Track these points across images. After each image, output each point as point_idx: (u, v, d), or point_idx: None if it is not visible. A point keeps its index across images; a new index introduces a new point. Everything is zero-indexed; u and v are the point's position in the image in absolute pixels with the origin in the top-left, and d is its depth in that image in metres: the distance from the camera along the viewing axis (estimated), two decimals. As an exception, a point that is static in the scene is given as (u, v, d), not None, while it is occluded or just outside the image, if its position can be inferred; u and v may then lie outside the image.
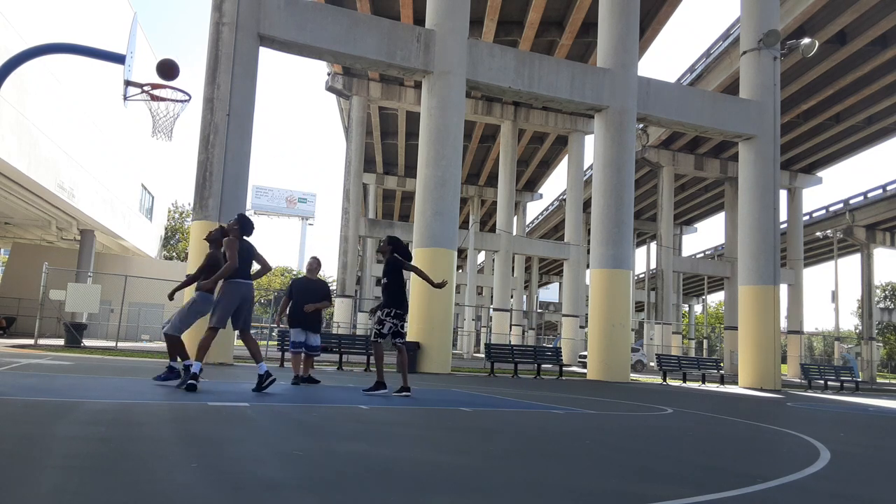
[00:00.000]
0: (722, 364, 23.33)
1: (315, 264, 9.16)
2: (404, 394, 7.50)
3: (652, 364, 31.93)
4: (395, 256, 7.65)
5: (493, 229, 44.81)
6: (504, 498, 2.65)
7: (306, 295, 8.70)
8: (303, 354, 8.81)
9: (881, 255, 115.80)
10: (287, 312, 8.81)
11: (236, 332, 7.39)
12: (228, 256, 6.72)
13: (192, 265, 13.94)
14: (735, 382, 20.19)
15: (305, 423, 4.83)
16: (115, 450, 3.20)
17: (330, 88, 33.49)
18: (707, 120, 19.25)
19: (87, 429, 3.82)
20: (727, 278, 37.47)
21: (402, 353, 7.66)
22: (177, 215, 56.09)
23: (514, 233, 40.72)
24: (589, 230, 23.81)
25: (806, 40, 20.50)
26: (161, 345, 25.59)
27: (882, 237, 41.65)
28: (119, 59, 8.53)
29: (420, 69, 16.12)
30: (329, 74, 33.10)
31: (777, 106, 19.82)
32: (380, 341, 7.55)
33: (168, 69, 7.46)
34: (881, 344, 64.57)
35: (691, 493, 2.91)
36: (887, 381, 45.13)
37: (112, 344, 19.21)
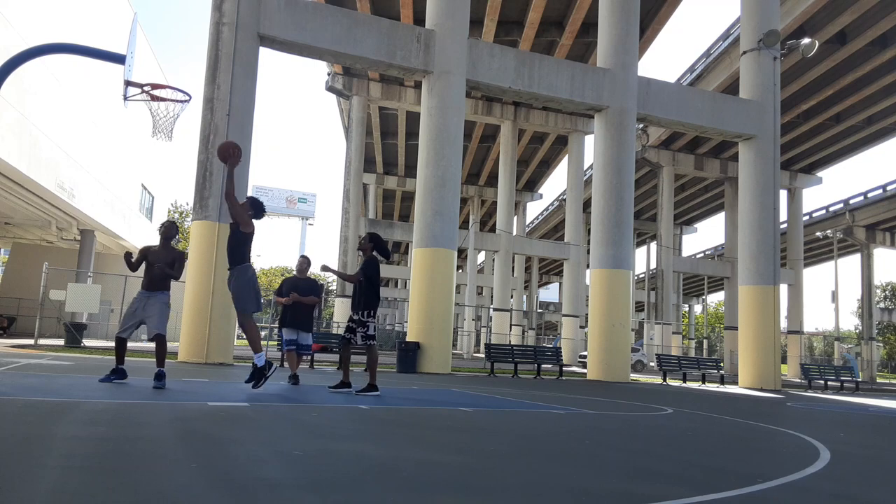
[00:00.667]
0: (722, 364, 23.32)
1: (305, 263, 9.09)
2: (374, 392, 7.40)
3: (652, 364, 31.93)
4: (375, 255, 7.58)
5: (493, 229, 44.80)
6: (504, 498, 2.65)
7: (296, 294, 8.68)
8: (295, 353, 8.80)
9: (881, 255, 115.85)
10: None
11: (238, 332, 7.40)
12: (239, 213, 6.86)
13: (192, 265, 13.93)
14: (735, 382, 20.19)
15: (305, 423, 4.82)
16: (115, 450, 3.20)
17: (330, 88, 33.49)
18: (707, 120, 19.25)
19: (87, 429, 3.82)
20: (727, 278, 37.47)
21: (372, 351, 7.62)
22: (177, 215, 56.08)
23: (514, 233, 40.71)
24: (589, 230, 23.82)
25: (806, 40, 20.49)
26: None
27: (882, 237, 41.65)
28: (119, 59, 8.54)
29: (420, 69, 16.12)
30: (329, 74, 33.10)
31: (777, 106, 19.82)
32: (371, 343, 7.48)
33: (229, 152, 6.92)
34: (881, 344, 64.56)
35: (691, 493, 2.91)
36: (887, 381, 45.13)
37: (112, 344, 19.19)
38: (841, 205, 40.96)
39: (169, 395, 6.18)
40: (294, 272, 9.29)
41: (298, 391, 7.53)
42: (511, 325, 39.93)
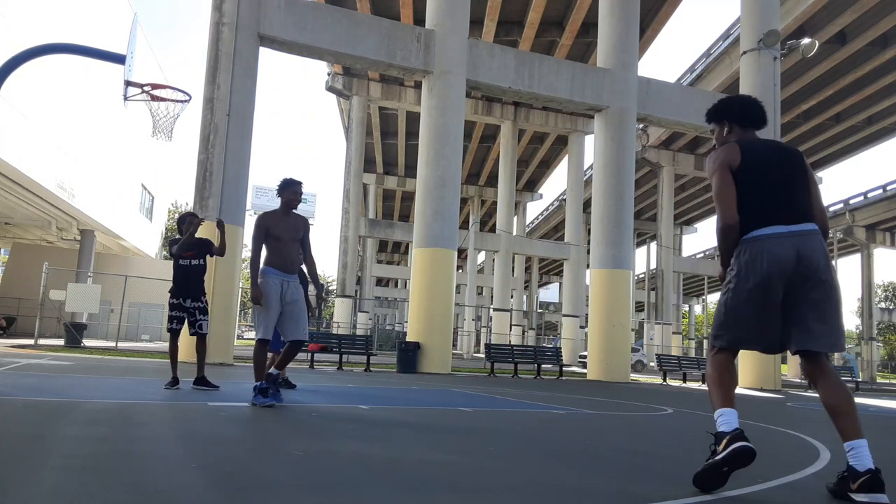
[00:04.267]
0: (722, 364, 23.25)
1: None
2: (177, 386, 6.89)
3: (652, 364, 31.92)
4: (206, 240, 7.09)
5: (493, 229, 44.79)
6: (504, 498, 2.64)
7: None
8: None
9: (881, 255, 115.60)
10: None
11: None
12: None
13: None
14: (735, 382, 20.16)
15: (305, 423, 4.82)
16: (115, 450, 3.19)
17: (330, 88, 33.49)
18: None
19: (87, 429, 3.82)
20: (727, 278, 37.40)
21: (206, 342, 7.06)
22: (177, 215, 56.11)
23: (514, 233, 40.70)
24: (589, 230, 23.81)
25: (806, 40, 20.49)
26: (161, 345, 25.59)
27: (882, 237, 41.64)
28: (119, 59, 8.54)
29: (420, 69, 16.12)
30: (329, 74, 33.11)
31: (777, 106, 19.81)
32: (206, 333, 6.94)
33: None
34: (881, 344, 64.55)
35: (691, 493, 2.91)
36: (887, 381, 45.11)
37: (112, 344, 19.21)
38: (841, 205, 40.95)
39: (169, 395, 6.18)
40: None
41: (297, 392, 7.51)
42: (511, 325, 39.93)
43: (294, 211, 5.68)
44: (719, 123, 3.24)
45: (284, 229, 5.50)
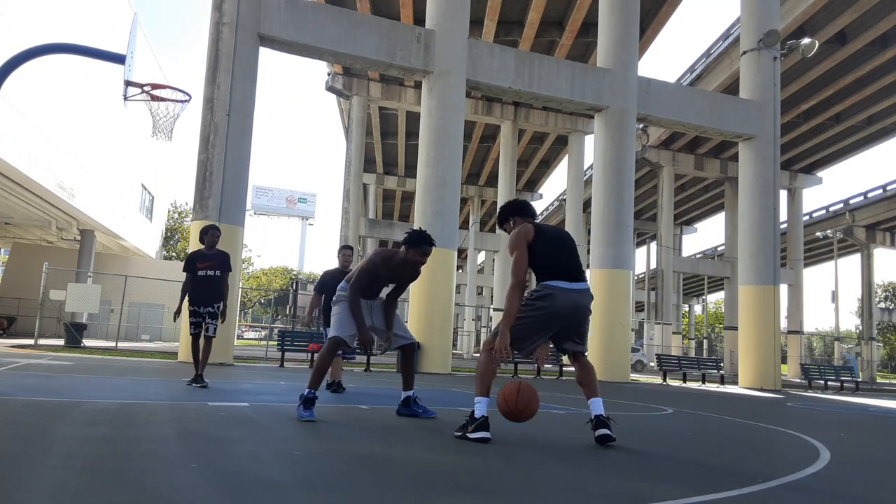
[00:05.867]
0: (722, 364, 23.32)
1: (350, 254, 8.38)
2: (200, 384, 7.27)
3: (652, 364, 31.92)
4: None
5: (493, 229, 44.81)
6: (504, 498, 2.64)
7: None
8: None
9: (881, 255, 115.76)
10: (317, 310, 8.12)
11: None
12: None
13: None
14: (735, 382, 20.19)
15: (305, 423, 4.82)
16: (115, 450, 3.20)
17: (330, 88, 33.48)
18: (707, 120, 19.25)
19: (87, 429, 3.82)
20: (727, 278, 37.46)
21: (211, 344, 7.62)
22: (176, 215, 56.10)
23: (514, 233, 40.61)
24: (589, 230, 23.81)
25: (806, 40, 20.50)
26: (161, 345, 25.60)
27: (882, 237, 41.64)
28: (119, 59, 8.55)
29: (420, 69, 16.12)
30: (329, 74, 33.09)
31: (777, 106, 19.81)
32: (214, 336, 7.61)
33: None
34: (881, 344, 64.55)
35: (691, 493, 2.91)
36: (887, 381, 45.12)
37: (112, 344, 19.21)
38: (841, 205, 40.95)
39: (169, 395, 6.19)
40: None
41: (297, 392, 7.50)
42: (511, 325, 39.80)
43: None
44: (506, 222, 4.54)
45: (390, 276, 5.17)
